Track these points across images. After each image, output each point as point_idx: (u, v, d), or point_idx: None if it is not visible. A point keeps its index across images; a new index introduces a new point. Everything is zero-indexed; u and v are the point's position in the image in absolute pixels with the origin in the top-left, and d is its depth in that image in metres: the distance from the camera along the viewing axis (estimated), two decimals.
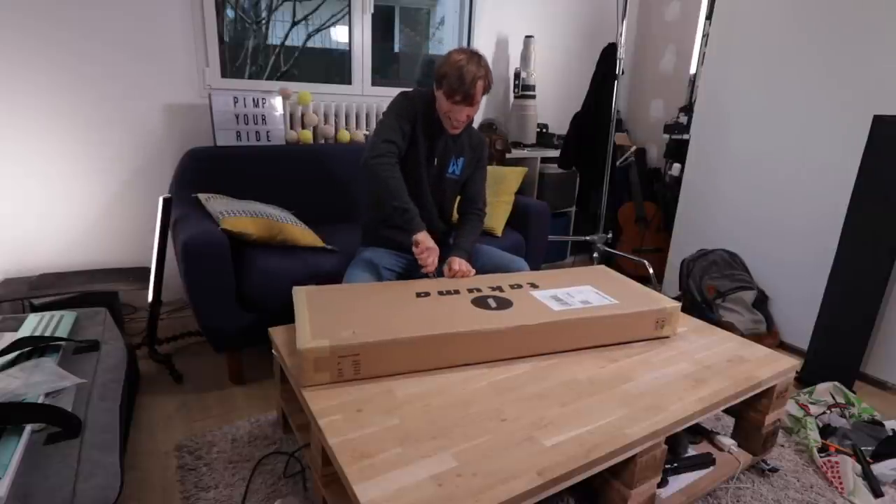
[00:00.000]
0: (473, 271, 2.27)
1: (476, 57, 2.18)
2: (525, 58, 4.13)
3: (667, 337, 2.04)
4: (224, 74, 3.28)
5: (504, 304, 1.92)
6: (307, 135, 3.33)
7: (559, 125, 4.63)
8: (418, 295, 1.97)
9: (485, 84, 2.20)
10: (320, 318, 1.73)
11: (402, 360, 1.65)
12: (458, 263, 2.23)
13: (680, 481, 1.79)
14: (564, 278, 2.24)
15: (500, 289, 2.08)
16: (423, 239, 2.18)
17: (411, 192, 2.31)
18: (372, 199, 2.50)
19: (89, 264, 3.08)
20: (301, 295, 1.93)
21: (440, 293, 2.00)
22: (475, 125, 4.15)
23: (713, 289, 3.27)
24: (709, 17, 4.01)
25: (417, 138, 2.32)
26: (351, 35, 3.65)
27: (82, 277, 2.80)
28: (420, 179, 2.37)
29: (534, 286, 2.12)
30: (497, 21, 4.20)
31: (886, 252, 2.49)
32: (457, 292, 2.02)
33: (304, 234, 2.55)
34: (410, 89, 2.36)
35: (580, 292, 2.07)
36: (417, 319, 1.75)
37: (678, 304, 2.00)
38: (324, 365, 1.56)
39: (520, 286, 2.11)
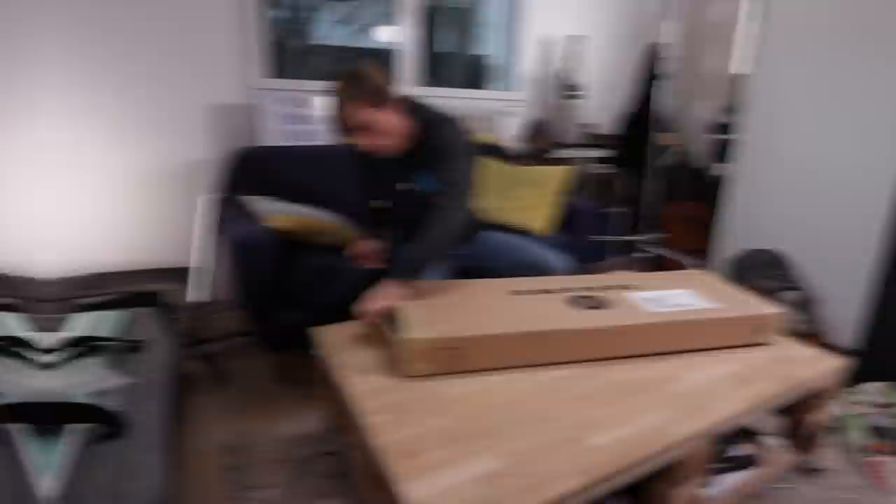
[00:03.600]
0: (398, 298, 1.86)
1: (343, 80, 1.94)
2: (571, 58, 4.10)
3: (765, 344, 1.95)
4: (269, 74, 3.29)
5: (598, 304, 1.93)
6: None
7: (606, 125, 4.58)
8: (512, 293, 2.01)
9: (357, 104, 1.91)
10: (419, 311, 1.77)
11: (497, 355, 1.68)
12: (373, 301, 1.85)
13: (723, 481, 1.77)
14: (663, 282, 2.20)
15: (594, 289, 2.07)
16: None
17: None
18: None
19: (135, 264, 3.11)
20: None
21: (533, 292, 2.03)
22: (512, 125, 4.16)
23: (759, 289, 3.23)
24: (757, 17, 3.96)
25: (375, 171, 2.25)
26: (400, 35, 3.63)
27: (130, 277, 2.85)
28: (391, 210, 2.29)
29: (629, 288, 2.10)
30: (543, 21, 4.18)
31: None
32: (550, 292, 2.03)
33: (347, 234, 2.56)
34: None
35: (678, 296, 2.02)
36: (512, 316, 1.79)
37: (780, 312, 1.93)
38: (425, 356, 1.62)
39: (615, 287, 2.10)
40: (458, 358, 1.64)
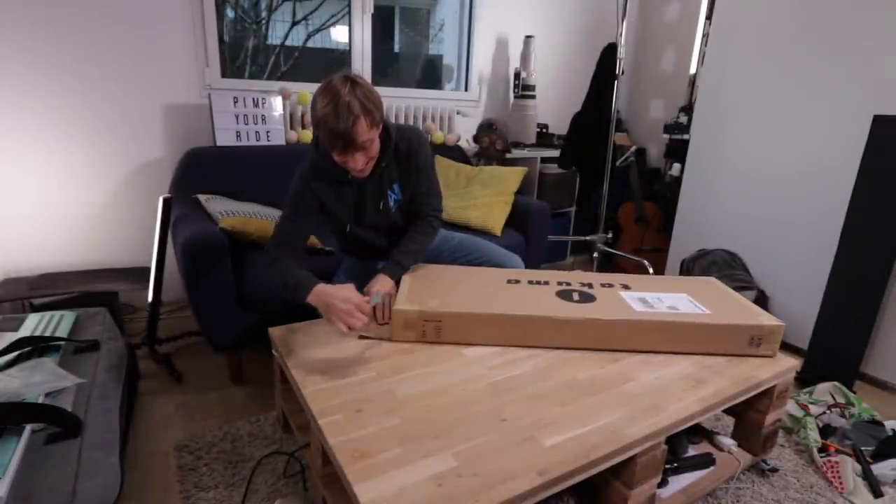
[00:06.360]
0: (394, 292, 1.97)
1: (349, 84, 1.69)
2: (525, 58, 4.13)
3: (768, 356, 1.92)
4: (224, 74, 3.28)
5: (587, 298, 1.97)
6: (307, 135, 3.32)
7: (559, 125, 4.63)
8: (509, 282, 2.11)
9: (370, 120, 1.72)
10: (417, 287, 2.00)
11: (475, 331, 1.85)
12: (379, 285, 1.96)
13: (680, 481, 1.78)
14: (662, 284, 2.19)
15: (589, 285, 2.11)
16: (330, 295, 1.73)
17: (363, 245, 2.20)
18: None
19: (89, 264, 3.08)
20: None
21: (529, 282, 2.11)
22: (473, 129, 4.17)
23: None
24: (709, 17, 4.01)
25: (339, 191, 2.02)
26: (351, 35, 3.66)
27: (82, 277, 2.80)
28: (353, 230, 2.13)
29: (626, 287, 2.11)
30: (497, 21, 4.21)
31: (886, 252, 2.49)
32: (546, 283, 2.11)
33: None
34: (316, 145, 1.97)
35: (672, 298, 2.02)
36: (496, 300, 1.92)
37: (780, 324, 1.88)
38: (411, 325, 1.83)
39: (611, 285, 2.12)
40: (440, 330, 1.84)
